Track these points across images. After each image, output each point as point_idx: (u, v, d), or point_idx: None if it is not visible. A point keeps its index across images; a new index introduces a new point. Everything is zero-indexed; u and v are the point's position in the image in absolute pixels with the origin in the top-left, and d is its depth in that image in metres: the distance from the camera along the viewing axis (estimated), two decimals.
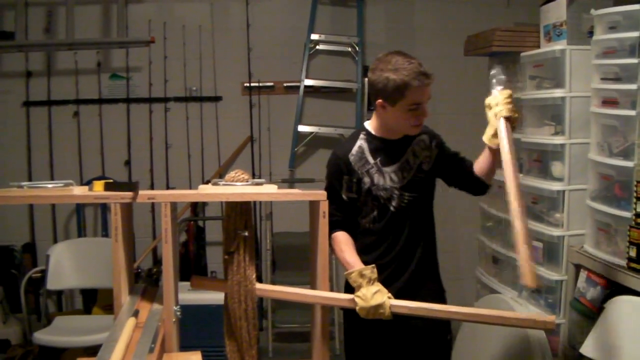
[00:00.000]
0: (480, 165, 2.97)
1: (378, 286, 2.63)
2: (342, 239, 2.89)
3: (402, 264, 2.93)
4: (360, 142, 2.93)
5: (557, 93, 3.89)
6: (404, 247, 2.92)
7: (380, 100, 2.82)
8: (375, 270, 2.67)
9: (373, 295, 2.58)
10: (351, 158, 2.91)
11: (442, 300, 2.98)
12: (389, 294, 2.63)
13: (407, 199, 2.89)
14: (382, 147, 2.91)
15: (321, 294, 2.70)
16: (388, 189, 2.88)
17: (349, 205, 2.92)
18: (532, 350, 3.67)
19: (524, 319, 2.31)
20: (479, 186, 3.03)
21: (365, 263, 2.77)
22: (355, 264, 2.75)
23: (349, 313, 2.76)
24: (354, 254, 2.83)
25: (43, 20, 5.73)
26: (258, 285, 2.76)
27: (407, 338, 2.94)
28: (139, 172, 5.79)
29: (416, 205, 2.92)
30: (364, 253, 2.88)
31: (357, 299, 2.62)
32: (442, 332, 3.01)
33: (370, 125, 2.98)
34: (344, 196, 2.91)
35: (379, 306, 2.58)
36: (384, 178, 2.89)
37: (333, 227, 2.82)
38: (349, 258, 2.81)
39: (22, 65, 5.79)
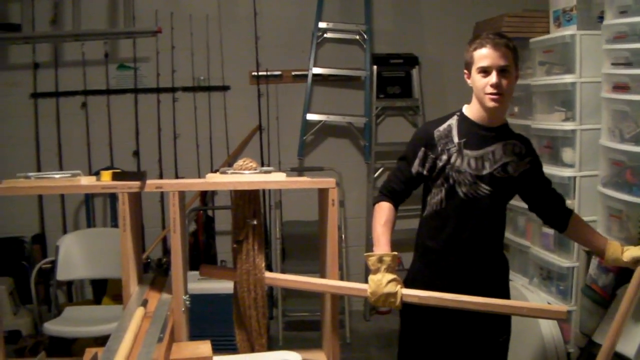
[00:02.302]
0: (579, 232, 2.99)
1: (394, 275, 2.60)
2: (387, 211, 2.84)
3: (467, 256, 2.83)
4: (452, 121, 2.85)
5: (567, 79, 3.88)
6: (470, 239, 2.82)
7: (465, 71, 2.84)
8: (396, 259, 2.65)
9: (388, 283, 2.56)
10: (436, 134, 2.82)
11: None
12: (402, 284, 2.62)
13: (481, 191, 2.77)
14: (472, 130, 2.80)
15: (331, 283, 2.69)
16: (463, 172, 2.76)
17: (413, 181, 2.88)
18: (544, 338, 3.67)
19: (535, 309, 2.29)
20: (557, 224, 3.00)
21: (430, 249, 2.87)
22: (383, 245, 2.72)
23: (406, 310, 2.71)
24: (387, 234, 2.77)
25: (50, 11, 5.70)
26: (267, 274, 2.75)
27: (461, 336, 2.87)
28: (148, 162, 5.78)
29: (489, 200, 2.79)
30: (430, 238, 2.88)
31: (370, 282, 2.60)
32: (498, 332, 2.90)
33: (466, 107, 2.89)
34: (413, 170, 2.85)
35: (391, 295, 2.56)
36: (462, 160, 2.77)
37: (384, 195, 2.88)
38: (382, 236, 2.76)
39: (29, 57, 5.77)
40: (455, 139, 2.80)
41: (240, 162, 2.77)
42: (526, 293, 3.98)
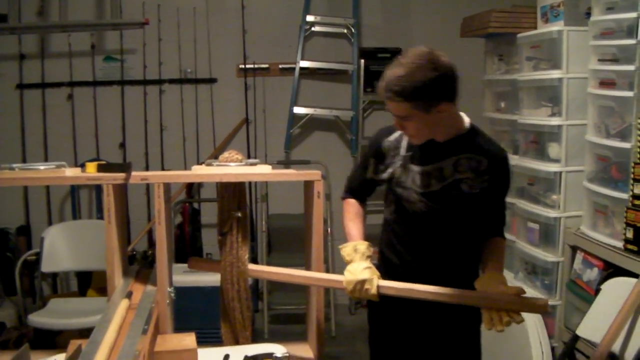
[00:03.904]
0: (483, 251, 2.56)
1: (370, 264, 2.51)
2: (353, 206, 2.76)
3: (421, 274, 2.52)
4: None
5: (554, 74, 3.89)
6: (424, 257, 2.57)
7: None
8: (371, 248, 2.58)
9: (362, 270, 2.45)
10: (385, 144, 2.60)
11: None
12: (379, 275, 2.49)
13: (429, 209, 2.50)
14: (421, 145, 2.49)
15: (310, 275, 2.67)
16: (407, 188, 2.53)
17: (369, 184, 2.73)
18: (528, 332, 3.68)
19: (514, 302, 2.23)
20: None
21: (387, 257, 2.69)
22: (354, 237, 2.63)
23: (373, 303, 2.57)
24: (358, 227, 2.69)
25: (36, 2, 5.67)
26: (250, 266, 2.75)
27: (433, 327, 2.63)
28: (134, 154, 5.76)
29: (442, 220, 2.52)
30: (386, 245, 2.71)
31: (345, 273, 2.49)
32: (473, 321, 2.57)
33: None
34: (367, 175, 2.69)
35: (366, 281, 2.43)
36: (406, 175, 2.54)
37: (347, 192, 2.82)
38: (352, 230, 2.68)
39: (16, 48, 5.73)
40: (402, 152, 2.57)
41: (226, 154, 2.76)
42: None
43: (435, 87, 2.28)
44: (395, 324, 2.72)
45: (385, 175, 2.61)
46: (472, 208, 2.51)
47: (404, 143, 2.57)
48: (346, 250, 2.58)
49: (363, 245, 2.57)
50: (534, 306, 2.24)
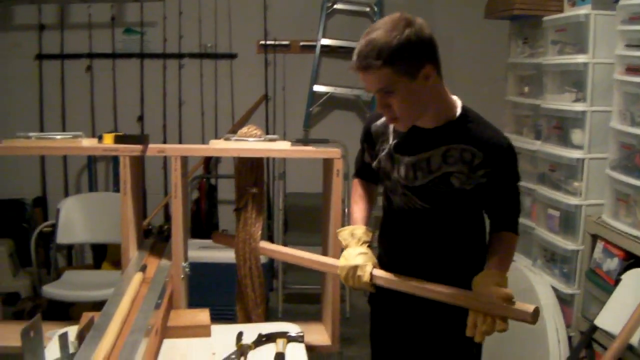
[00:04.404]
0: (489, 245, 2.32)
1: (365, 250, 2.33)
2: (359, 187, 2.58)
3: (409, 271, 2.27)
4: None
5: (580, 59, 3.82)
6: (412, 254, 2.38)
7: None
8: (370, 233, 2.41)
9: (356, 255, 2.29)
10: (373, 128, 2.40)
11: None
12: (375, 261, 2.32)
13: (415, 205, 2.30)
14: (407, 131, 2.23)
15: (312, 257, 2.56)
16: (393, 180, 2.32)
17: (369, 168, 2.47)
18: (545, 320, 3.64)
19: (499, 307, 2.01)
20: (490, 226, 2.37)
21: (382, 246, 2.53)
22: (354, 221, 2.47)
23: (374, 295, 2.48)
24: (361, 210, 2.51)
25: None
26: (261, 244, 2.72)
27: (435, 323, 2.35)
28: (152, 128, 5.74)
29: (429, 217, 2.30)
30: (380, 235, 2.55)
31: (340, 259, 2.34)
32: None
33: None
34: (365, 159, 2.50)
35: (359, 267, 2.26)
36: (392, 165, 2.31)
37: (355, 172, 2.63)
38: (354, 212, 2.51)
39: (35, 18, 5.72)
40: (390, 139, 2.32)
41: (244, 129, 2.73)
42: (529, 275, 3.94)
43: (415, 45, 2.00)
44: (396, 319, 2.52)
45: (374, 164, 2.40)
46: (464, 205, 2.28)
47: (391, 128, 2.33)
48: (343, 234, 2.42)
49: (360, 230, 2.40)
50: (520, 315, 1.97)
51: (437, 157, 2.19)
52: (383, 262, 2.39)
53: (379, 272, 2.28)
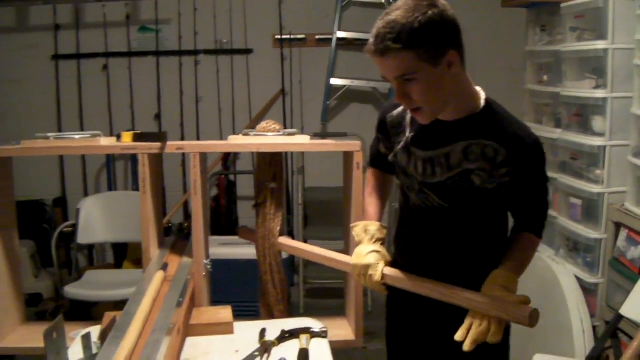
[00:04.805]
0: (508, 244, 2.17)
1: (378, 247, 2.22)
2: (374, 178, 2.45)
3: (421, 272, 2.15)
4: None
5: (599, 45, 3.78)
6: (427, 258, 2.21)
7: None
8: (383, 230, 2.29)
9: (368, 254, 2.18)
10: (389, 119, 2.25)
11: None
12: (388, 260, 2.21)
13: (432, 204, 2.14)
14: (426, 124, 2.07)
15: (328, 254, 2.50)
16: (409, 176, 2.17)
17: (382, 157, 2.35)
18: (570, 310, 3.61)
19: (495, 306, 1.90)
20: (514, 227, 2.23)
21: (395, 243, 2.38)
22: (368, 215, 2.36)
23: (391, 297, 2.42)
24: (375, 203, 2.40)
25: None
26: (280, 240, 2.70)
27: (450, 326, 1.99)
28: (170, 125, 5.73)
29: (447, 216, 2.13)
30: (396, 233, 2.39)
31: (353, 255, 2.23)
32: None
33: None
34: (380, 149, 2.37)
35: (370, 267, 2.15)
36: (408, 160, 2.16)
37: (370, 161, 2.48)
38: (368, 206, 2.40)
39: (50, 19, 5.73)
40: (407, 132, 2.17)
41: (263, 124, 2.71)
42: (552, 265, 3.91)
43: (438, 27, 1.84)
44: (413, 321, 2.36)
45: (391, 157, 2.25)
46: (485, 206, 2.11)
47: (408, 121, 2.18)
48: (356, 230, 2.30)
49: (374, 226, 2.27)
50: (517, 317, 1.85)
51: (457, 153, 2.03)
52: (398, 263, 2.24)
53: (391, 272, 2.17)
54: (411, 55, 1.83)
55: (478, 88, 2.09)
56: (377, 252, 2.20)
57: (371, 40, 1.89)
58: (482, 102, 2.06)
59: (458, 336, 1.89)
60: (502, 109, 2.09)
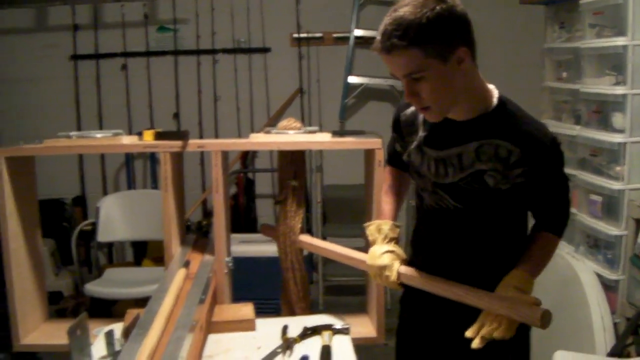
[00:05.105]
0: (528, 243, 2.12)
1: (393, 247, 2.19)
2: (390, 176, 2.40)
3: (436, 273, 2.12)
4: None
5: (619, 41, 3.75)
6: (442, 260, 2.16)
7: None
8: (396, 229, 2.25)
9: (382, 254, 2.15)
10: (402, 118, 2.20)
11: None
12: (404, 258, 2.19)
13: (447, 205, 2.09)
14: (438, 123, 2.01)
15: (348, 253, 2.49)
16: (423, 176, 2.12)
17: (398, 156, 2.28)
18: (590, 307, 3.60)
19: (505, 305, 1.88)
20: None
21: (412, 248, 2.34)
22: (383, 214, 2.32)
23: (405, 296, 2.39)
24: (391, 202, 2.35)
25: None
26: (301, 237, 2.71)
27: (464, 327, 1.94)
28: (188, 124, 5.76)
29: (461, 217, 2.09)
30: (413, 238, 2.37)
31: (368, 255, 2.21)
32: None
33: None
34: (396, 147, 2.30)
35: (385, 268, 2.13)
36: (422, 160, 2.11)
37: (387, 159, 2.43)
38: (383, 204, 2.36)
39: (69, 19, 5.78)
40: (420, 131, 2.12)
41: (284, 122, 2.72)
42: (572, 261, 3.89)
43: (447, 23, 1.79)
44: (426, 321, 2.31)
45: (405, 157, 2.20)
46: (501, 207, 2.05)
47: (420, 120, 2.12)
48: (370, 229, 2.26)
49: (387, 225, 2.23)
50: (527, 318, 1.81)
51: (470, 153, 1.98)
52: (414, 263, 2.21)
53: (407, 270, 2.14)
54: (419, 53, 1.78)
55: (491, 86, 2.03)
56: (391, 252, 2.17)
57: (378, 37, 1.83)
58: (495, 101, 2.00)
59: (469, 333, 1.88)
60: (516, 107, 2.02)
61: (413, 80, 1.85)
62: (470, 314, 1.93)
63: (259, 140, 2.68)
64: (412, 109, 2.14)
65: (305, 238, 2.75)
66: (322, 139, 2.65)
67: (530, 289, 1.95)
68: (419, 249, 2.30)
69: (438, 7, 1.77)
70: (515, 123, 1.96)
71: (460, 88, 1.90)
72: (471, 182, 1.99)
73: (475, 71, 1.94)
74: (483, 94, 1.99)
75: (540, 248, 2.09)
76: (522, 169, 1.94)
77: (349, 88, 5.76)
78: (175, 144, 2.56)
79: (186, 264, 2.47)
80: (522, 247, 2.09)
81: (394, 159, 2.37)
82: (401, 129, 2.21)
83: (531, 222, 2.20)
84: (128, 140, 2.67)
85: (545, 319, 1.79)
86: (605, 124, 3.87)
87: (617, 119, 3.77)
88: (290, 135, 2.65)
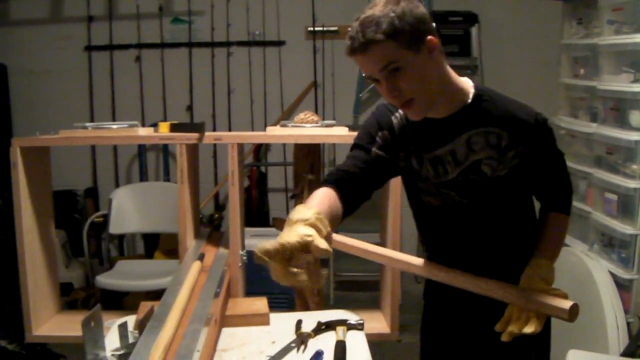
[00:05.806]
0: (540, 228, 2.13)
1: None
2: (317, 195, 1.94)
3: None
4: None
5: (637, 38, 3.72)
6: (458, 256, 2.13)
7: None
8: (324, 221, 1.79)
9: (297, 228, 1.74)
10: (394, 121, 2.10)
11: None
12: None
13: (453, 201, 2.07)
14: (423, 123, 1.98)
15: (363, 246, 2.47)
16: (424, 179, 2.09)
17: (373, 166, 2.07)
18: (603, 306, 3.58)
19: (534, 300, 1.86)
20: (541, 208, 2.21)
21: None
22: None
23: (428, 291, 2.39)
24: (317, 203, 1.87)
25: None
26: (334, 237, 2.68)
27: (488, 322, 1.92)
28: (201, 117, 5.73)
29: (469, 212, 2.08)
30: (426, 246, 2.31)
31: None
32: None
33: None
34: (373, 150, 2.08)
35: (307, 236, 1.70)
36: (421, 164, 2.07)
37: (325, 181, 2.03)
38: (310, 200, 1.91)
39: (84, 10, 5.78)
40: (410, 137, 2.06)
41: (301, 115, 2.71)
42: (586, 260, 3.87)
43: (414, 16, 1.83)
44: (450, 317, 2.32)
45: (402, 164, 2.10)
46: (504, 195, 2.05)
47: (408, 124, 2.06)
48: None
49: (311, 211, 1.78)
50: (556, 311, 1.80)
51: (461, 147, 1.98)
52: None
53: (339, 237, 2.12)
54: (392, 45, 1.80)
55: (464, 78, 2.04)
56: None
57: (348, 42, 1.86)
58: (472, 90, 2.01)
59: (498, 327, 1.87)
60: (494, 93, 2.04)
61: (391, 73, 1.85)
62: (495, 308, 1.93)
63: (276, 133, 2.67)
64: (401, 112, 2.07)
65: (339, 237, 2.72)
66: (339, 133, 2.64)
67: (553, 277, 1.96)
68: (434, 251, 2.26)
69: (402, 3, 1.83)
70: (497, 107, 1.99)
71: (435, 77, 1.91)
72: (470, 174, 2.00)
73: (446, 64, 1.96)
74: (459, 87, 2.00)
75: (552, 230, 2.11)
76: (514, 151, 1.97)
77: (364, 82, 5.73)
78: (191, 136, 2.55)
79: (201, 257, 2.47)
80: (533, 233, 2.11)
81: (354, 174, 2.05)
82: (396, 133, 2.08)
83: (537, 206, 2.20)
84: (144, 131, 2.67)
85: (574, 312, 1.79)
86: (622, 122, 3.84)
87: (635, 117, 3.75)
88: (308, 129, 2.64)
